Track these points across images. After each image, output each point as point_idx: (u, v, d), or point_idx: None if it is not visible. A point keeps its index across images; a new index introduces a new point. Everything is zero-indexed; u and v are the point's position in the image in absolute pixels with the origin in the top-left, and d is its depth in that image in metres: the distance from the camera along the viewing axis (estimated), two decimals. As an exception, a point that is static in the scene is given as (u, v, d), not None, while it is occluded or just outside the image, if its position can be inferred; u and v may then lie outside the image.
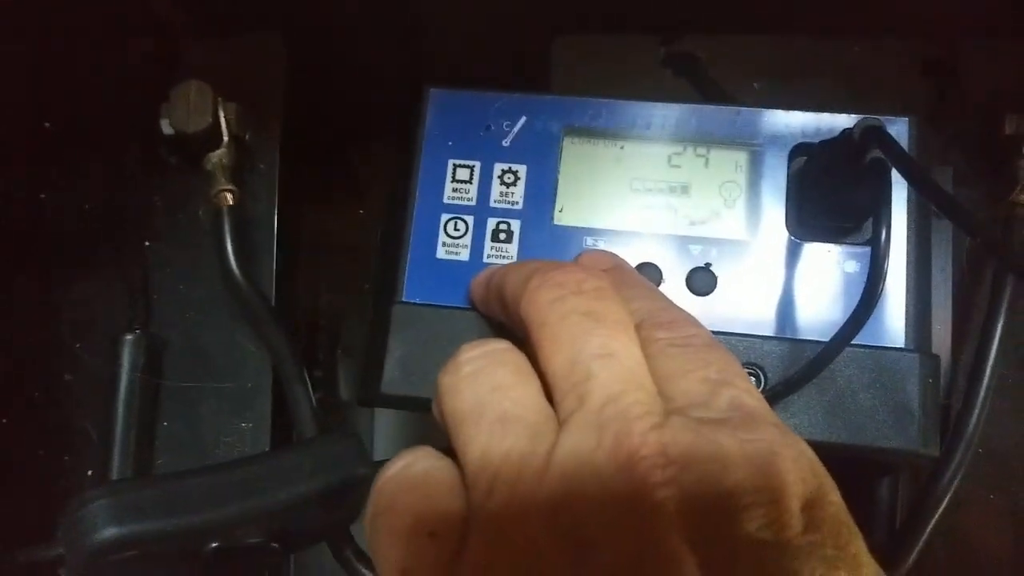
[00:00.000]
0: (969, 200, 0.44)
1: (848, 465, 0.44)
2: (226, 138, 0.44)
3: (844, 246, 0.38)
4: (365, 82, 0.54)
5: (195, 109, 0.43)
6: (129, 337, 0.44)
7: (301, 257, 0.53)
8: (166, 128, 0.44)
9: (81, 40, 0.49)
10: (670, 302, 0.30)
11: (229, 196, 0.43)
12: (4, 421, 0.45)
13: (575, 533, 0.22)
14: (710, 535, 0.22)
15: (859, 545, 0.23)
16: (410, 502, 0.26)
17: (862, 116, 0.36)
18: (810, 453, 0.24)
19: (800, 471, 0.23)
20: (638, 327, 0.27)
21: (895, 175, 0.34)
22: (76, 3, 0.46)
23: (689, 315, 0.29)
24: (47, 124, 0.48)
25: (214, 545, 0.33)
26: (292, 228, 0.49)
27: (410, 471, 0.27)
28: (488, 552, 0.23)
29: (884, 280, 0.33)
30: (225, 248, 0.43)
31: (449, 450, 0.27)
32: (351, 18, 0.51)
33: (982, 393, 0.39)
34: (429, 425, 0.54)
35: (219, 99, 0.44)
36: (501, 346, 0.28)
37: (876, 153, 0.34)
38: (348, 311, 0.58)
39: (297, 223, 0.50)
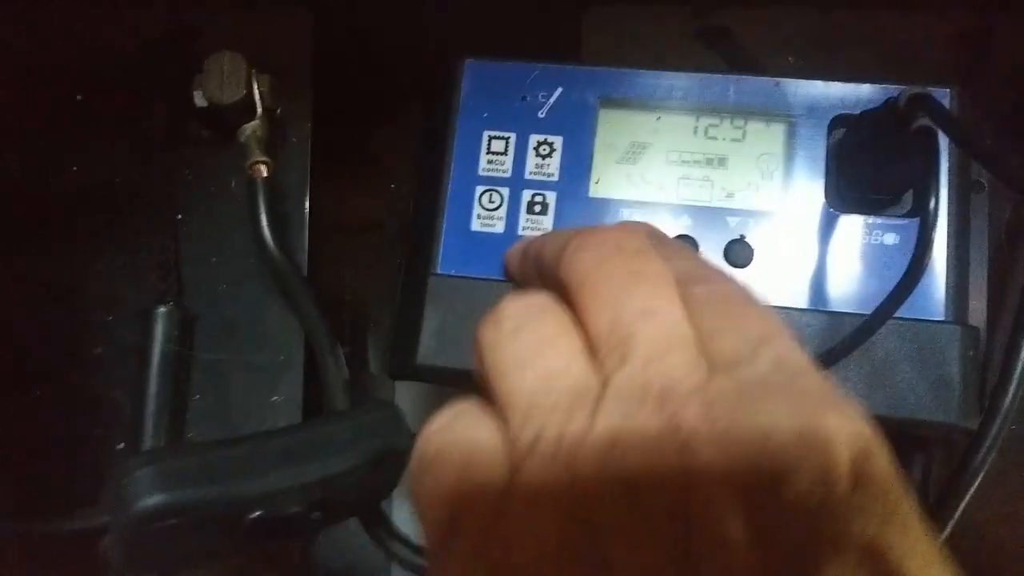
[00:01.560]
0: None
1: (886, 438, 0.44)
2: (260, 110, 0.43)
3: (883, 218, 0.38)
4: (391, 56, 0.54)
5: (229, 80, 0.43)
6: (161, 310, 0.44)
7: (327, 232, 0.53)
8: (199, 100, 0.44)
9: (109, 12, 0.49)
10: (708, 262, 0.30)
11: (264, 168, 0.43)
12: (37, 394, 0.45)
13: (620, 488, 0.22)
14: (756, 495, 0.22)
15: (909, 505, 0.23)
16: (454, 458, 0.25)
17: (902, 87, 0.36)
18: (858, 410, 0.24)
19: (848, 429, 0.23)
20: (676, 284, 0.27)
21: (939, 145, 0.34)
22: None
23: (726, 274, 0.29)
24: (79, 97, 0.48)
25: (256, 514, 0.33)
26: (320, 203, 0.49)
27: (455, 425, 0.26)
28: (533, 506, 0.23)
29: (931, 251, 0.33)
30: (259, 219, 0.43)
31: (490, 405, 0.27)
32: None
33: (1019, 368, 0.39)
34: (452, 398, 0.54)
35: (253, 70, 0.43)
36: (543, 299, 0.27)
37: (922, 121, 0.34)
38: (374, 287, 0.58)
39: (324, 198, 0.50)
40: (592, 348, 0.26)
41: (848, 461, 0.22)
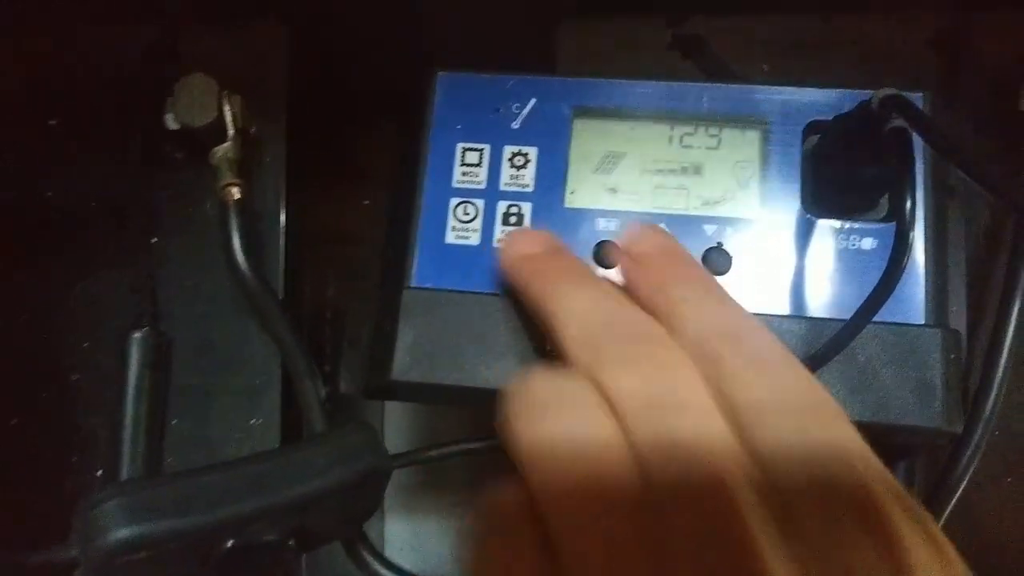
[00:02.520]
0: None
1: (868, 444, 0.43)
2: (231, 132, 0.43)
3: (861, 223, 0.38)
4: (366, 69, 0.54)
5: (200, 103, 0.43)
6: (137, 335, 0.43)
7: (306, 248, 0.52)
8: (171, 123, 0.43)
9: (82, 35, 0.48)
10: (720, 292, 0.30)
11: (235, 190, 0.43)
12: (14, 422, 0.45)
13: (657, 527, 0.23)
14: (795, 529, 0.22)
15: (935, 527, 0.24)
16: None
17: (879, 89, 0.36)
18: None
19: (874, 464, 0.24)
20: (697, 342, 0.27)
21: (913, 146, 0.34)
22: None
23: (746, 314, 0.29)
24: (52, 122, 0.47)
25: (229, 543, 0.33)
26: (298, 219, 0.48)
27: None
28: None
29: (909, 253, 0.33)
30: (232, 243, 0.42)
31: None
32: (352, 4, 0.50)
33: (1000, 372, 0.38)
34: (440, 417, 0.54)
35: (224, 92, 0.43)
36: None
37: (896, 123, 0.34)
38: (353, 302, 0.57)
39: (302, 214, 0.50)
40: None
41: (884, 494, 0.23)
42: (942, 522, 0.39)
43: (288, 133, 0.48)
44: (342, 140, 0.56)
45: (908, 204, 0.32)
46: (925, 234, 0.37)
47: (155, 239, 0.47)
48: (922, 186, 0.37)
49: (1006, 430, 0.42)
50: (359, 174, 0.59)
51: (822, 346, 0.35)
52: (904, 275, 0.36)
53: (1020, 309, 0.39)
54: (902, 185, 0.33)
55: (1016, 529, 0.44)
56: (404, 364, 0.38)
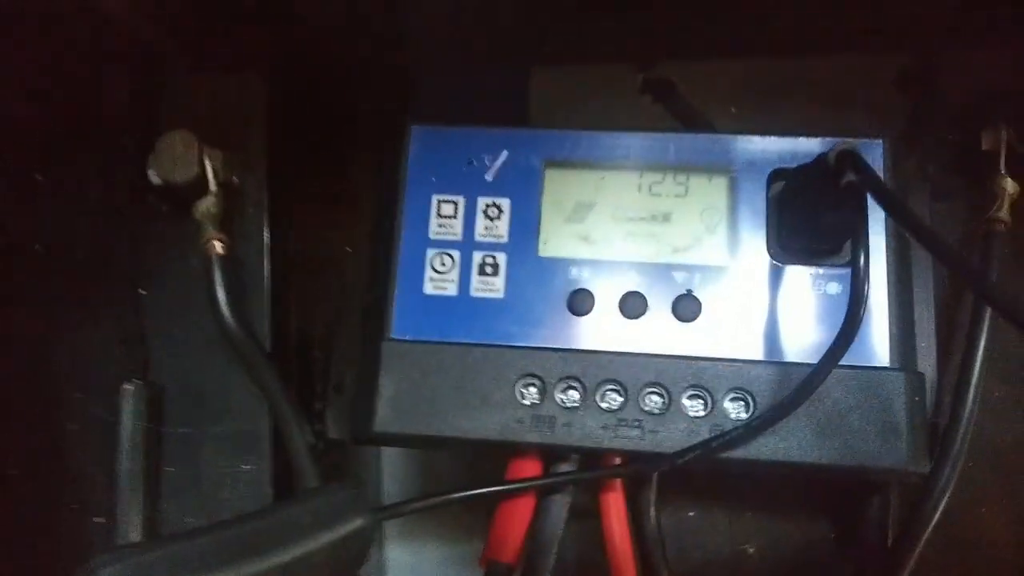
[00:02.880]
0: (948, 214, 0.44)
1: (838, 484, 0.44)
2: (213, 187, 0.44)
3: (825, 268, 0.39)
4: (344, 111, 0.55)
5: (181, 159, 0.44)
6: (128, 387, 0.45)
7: (293, 290, 0.53)
8: (153, 178, 0.44)
9: (64, 86, 0.49)
10: None
11: (218, 245, 0.44)
12: (13, 472, 0.46)
13: None
14: None
15: None
16: None
17: (837, 140, 0.37)
18: None
19: None
20: None
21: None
22: (53, 49, 0.47)
23: None
24: (38, 176, 0.48)
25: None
26: (283, 262, 0.49)
27: None
28: None
29: (865, 303, 0.34)
30: (216, 297, 0.43)
31: None
32: (330, 52, 0.51)
33: (967, 410, 0.39)
34: (435, 456, 0.55)
35: (204, 148, 0.44)
36: None
37: (851, 177, 0.34)
38: (341, 341, 0.58)
39: (287, 255, 0.51)
40: None
41: None
42: (915, 555, 0.40)
43: (271, 178, 0.48)
44: (328, 172, 0.57)
45: (861, 258, 0.33)
46: (887, 278, 0.38)
47: (143, 290, 0.48)
48: (883, 231, 0.38)
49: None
50: (346, 204, 0.60)
51: (789, 393, 0.36)
52: (867, 320, 0.37)
53: (984, 349, 0.40)
54: (855, 240, 0.34)
55: (999, 553, 0.45)
56: (386, 416, 0.39)
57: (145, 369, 0.46)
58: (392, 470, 0.56)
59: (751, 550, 0.46)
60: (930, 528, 0.39)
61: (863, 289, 0.33)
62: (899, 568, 0.39)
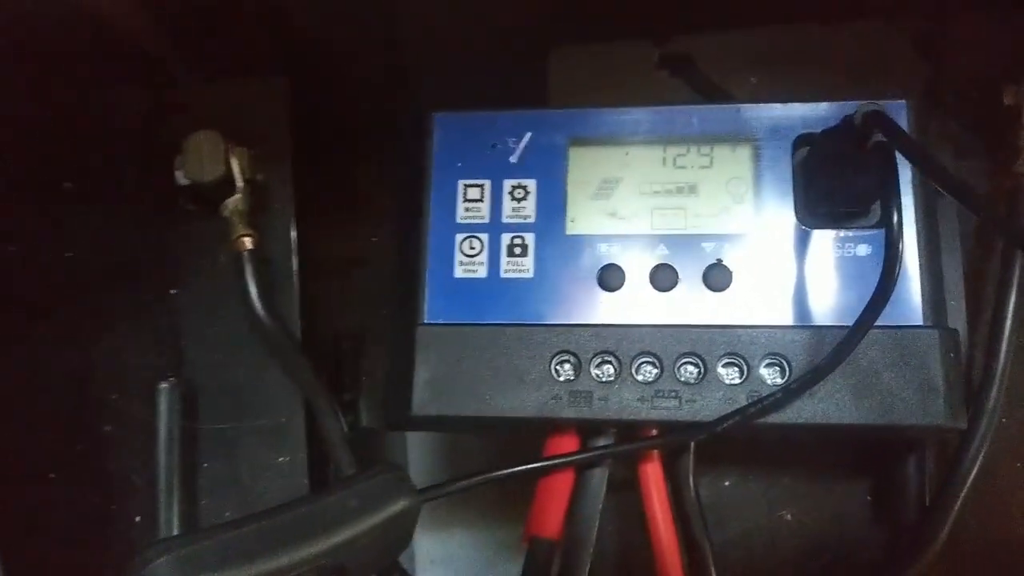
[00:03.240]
0: (972, 172, 0.44)
1: (873, 444, 0.45)
2: (240, 184, 0.45)
3: (855, 230, 0.39)
4: (365, 105, 0.55)
5: (208, 159, 0.44)
6: (164, 386, 0.45)
7: (320, 282, 0.54)
8: (181, 179, 0.45)
9: (88, 95, 0.50)
10: None
11: (248, 240, 0.44)
12: (52, 476, 0.46)
13: None
14: None
15: None
16: None
17: (861, 102, 0.37)
18: None
19: None
20: None
21: (899, 157, 0.35)
22: (75, 60, 0.48)
23: None
24: (67, 184, 0.49)
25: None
26: (310, 256, 0.50)
27: None
28: None
29: (900, 262, 0.34)
30: (249, 292, 0.44)
31: None
32: (346, 47, 0.51)
33: (1000, 366, 0.39)
34: (461, 443, 0.55)
35: (230, 146, 0.45)
36: None
37: (879, 138, 0.35)
38: (369, 332, 0.58)
39: (314, 249, 0.51)
40: None
41: None
42: (955, 512, 0.40)
43: (294, 177, 0.49)
44: (347, 174, 0.57)
45: (895, 218, 0.33)
46: (917, 237, 0.38)
47: (173, 290, 0.48)
48: (911, 191, 0.38)
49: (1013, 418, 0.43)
50: (365, 202, 0.60)
51: (825, 357, 0.36)
52: (899, 279, 0.37)
53: (1016, 302, 0.40)
54: (887, 200, 0.34)
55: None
56: (423, 400, 0.39)
57: (179, 367, 0.47)
58: (417, 456, 0.57)
59: (788, 516, 0.46)
60: (968, 484, 0.39)
61: (898, 249, 0.34)
62: (939, 526, 0.39)
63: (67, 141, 0.50)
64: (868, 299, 0.36)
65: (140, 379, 0.47)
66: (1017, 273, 0.40)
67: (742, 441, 0.44)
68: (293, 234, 0.48)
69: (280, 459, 0.47)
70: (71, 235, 0.49)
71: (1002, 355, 0.39)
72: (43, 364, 0.48)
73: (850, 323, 0.37)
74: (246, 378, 0.47)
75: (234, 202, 0.45)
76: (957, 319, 0.40)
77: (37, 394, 0.47)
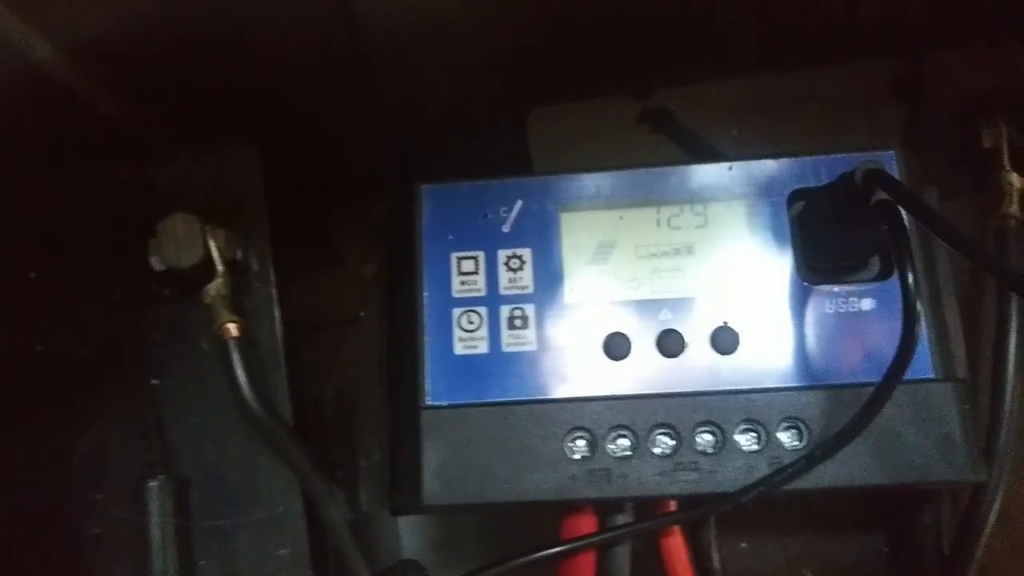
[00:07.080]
0: (956, 212, 0.44)
1: (889, 496, 0.44)
2: (220, 267, 0.43)
3: (855, 284, 0.39)
4: (342, 168, 0.54)
5: (184, 243, 0.42)
6: (153, 484, 0.43)
7: (301, 347, 0.52)
8: (157, 265, 0.43)
9: (53, 178, 0.48)
10: None
11: (233, 328, 0.42)
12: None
13: None
14: None
15: None
16: None
17: (850, 156, 0.37)
18: None
19: None
20: None
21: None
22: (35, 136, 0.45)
23: None
24: (32, 275, 0.46)
25: None
26: (289, 321, 0.48)
27: None
28: None
29: (920, 319, 0.34)
30: (237, 381, 0.42)
31: None
32: (325, 111, 0.50)
33: (1007, 408, 0.40)
34: (456, 523, 0.53)
35: (207, 228, 0.43)
36: None
37: (881, 196, 0.34)
38: (356, 403, 0.57)
39: (294, 313, 0.49)
40: None
41: None
42: (975, 561, 0.39)
43: (273, 252, 0.47)
44: (327, 241, 0.56)
45: (910, 274, 0.33)
46: (921, 290, 0.38)
47: (155, 380, 0.46)
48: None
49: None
50: (334, 268, 0.59)
51: (851, 420, 0.36)
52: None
53: (1016, 345, 0.40)
54: (901, 257, 0.33)
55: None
56: (435, 489, 0.38)
57: (167, 462, 0.45)
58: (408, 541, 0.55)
59: (808, 574, 0.46)
60: (986, 532, 0.39)
61: (915, 304, 0.33)
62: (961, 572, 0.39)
63: (31, 228, 0.47)
64: (877, 355, 0.36)
65: (125, 475, 0.44)
66: (1014, 319, 0.40)
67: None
68: (277, 314, 0.46)
69: (281, 551, 0.45)
70: (39, 328, 0.46)
71: (1007, 398, 0.40)
72: (18, 466, 0.45)
73: (862, 380, 0.37)
74: (238, 468, 0.45)
75: (215, 287, 0.43)
76: (960, 368, 0.40)
77: (16, 495, 0.45)
